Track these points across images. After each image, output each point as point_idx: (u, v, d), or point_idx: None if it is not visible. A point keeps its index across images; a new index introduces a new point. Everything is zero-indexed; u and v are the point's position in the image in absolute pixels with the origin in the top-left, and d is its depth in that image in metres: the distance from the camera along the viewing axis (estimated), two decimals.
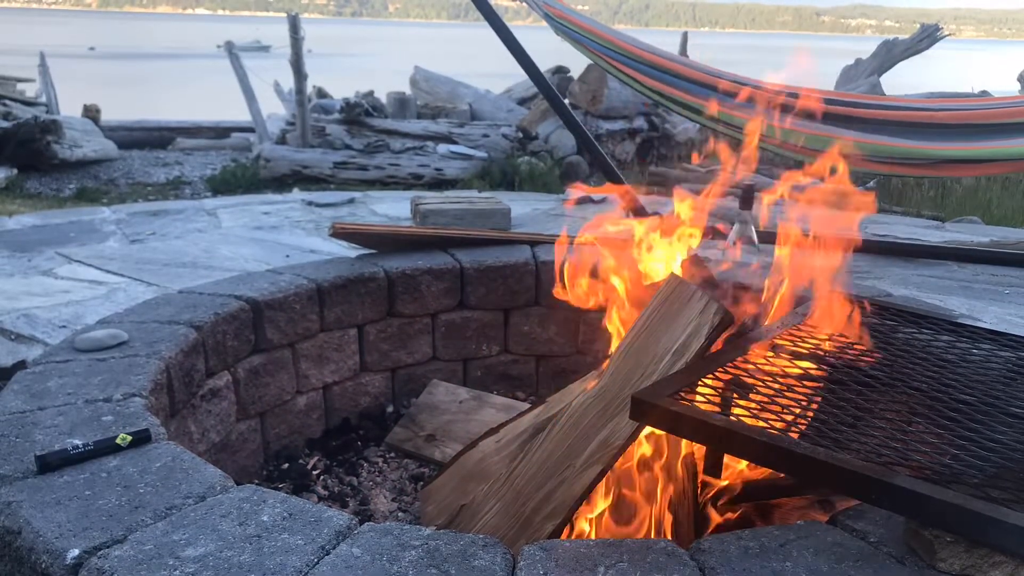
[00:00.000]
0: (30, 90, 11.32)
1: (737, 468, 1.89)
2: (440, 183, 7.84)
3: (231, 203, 5.53)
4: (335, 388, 2.87)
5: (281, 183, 7.77)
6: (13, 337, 2.97)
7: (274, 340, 2.61)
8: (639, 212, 4.01)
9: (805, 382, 1.63)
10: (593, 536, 1.82)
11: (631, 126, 9.26)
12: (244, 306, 2.50)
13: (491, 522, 1.79)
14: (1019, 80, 11.03)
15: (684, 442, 1.81)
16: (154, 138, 10.54)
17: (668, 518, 1.81)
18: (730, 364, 1.67)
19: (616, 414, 1.70)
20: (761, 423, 1.44)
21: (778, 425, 1.44)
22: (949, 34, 11.09)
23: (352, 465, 2.62)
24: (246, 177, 8.09)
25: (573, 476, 1.69)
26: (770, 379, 1.63)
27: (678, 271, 1.95)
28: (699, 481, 1.78)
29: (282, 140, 8.86)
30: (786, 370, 1.68)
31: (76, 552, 1.29)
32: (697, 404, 1.52)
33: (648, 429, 1.73)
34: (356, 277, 2.82)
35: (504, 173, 7.88)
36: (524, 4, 5.10)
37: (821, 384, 1.63)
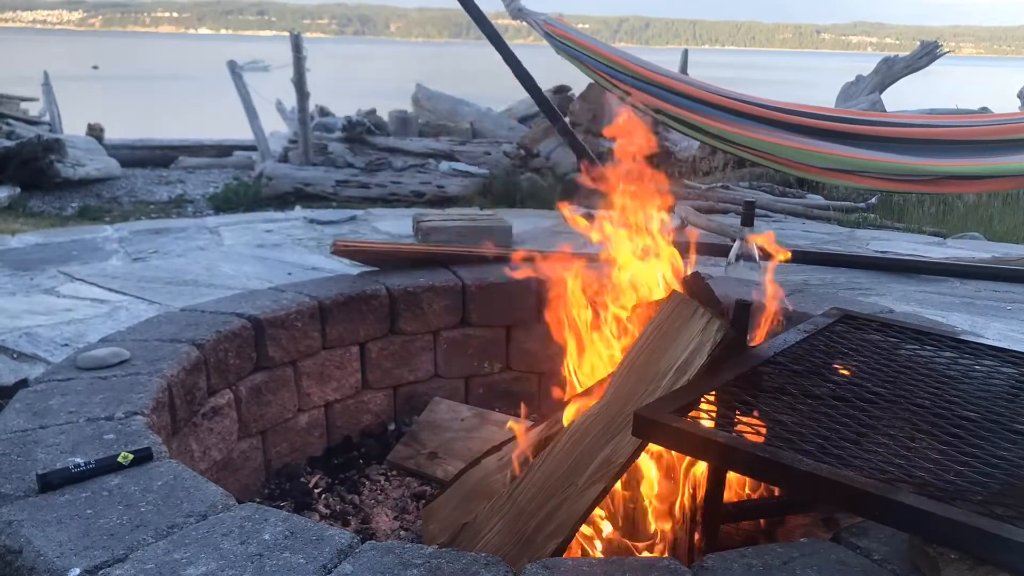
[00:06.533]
0: (33, 109, 11.37)
1: (740, 485, 1.89)
2: (442, 200, 7.85)
3: (233, 221, 5.53)
4: (337, 406, 2.87)
5: (283, 201, 7.78)
6: (15, 356, 2.97)
7: (276, 358, 2.60)
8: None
9: (808, 399, 1.63)
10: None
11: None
12: (246, 324, 2.50)
13: (493, 540, 1.78)
14: (1019, 96, 11.04)
15: (688, 459, 1.80)
16: (157, 156, 10.57)
17: (671, 536, 1.80)
18: (733, 380, 1.67)
19: (618, 431, 1.70)
20: (764, 440, 1.44)
21: (781, 442, 1.43)
22: (949, 51, 11.13)
23: (354, 483, 2.61)
24: (248, 195, 8.11)
25: (575, 494, 1.69)
26: (773, 396, 1.63)
27: (679, 288, 1.95)
28: (702, 498, 1.77)
29: (284, 158, 8.89)
30: (788, 386, 1.68)
31: (77, 571, 1.29)
32: (700, 421, 1.52)
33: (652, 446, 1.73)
34: (358, 294, 2.82)
35: (506, 190, 7.90)
36: (525, 23, 5.13)
37: (824, 400, 1.63)
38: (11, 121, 9.54)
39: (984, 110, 9.58)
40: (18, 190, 7.82)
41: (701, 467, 1.78)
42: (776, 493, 1.81)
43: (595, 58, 4.82)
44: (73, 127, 10.84)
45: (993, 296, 3.94)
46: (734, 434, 1.47)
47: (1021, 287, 4.13)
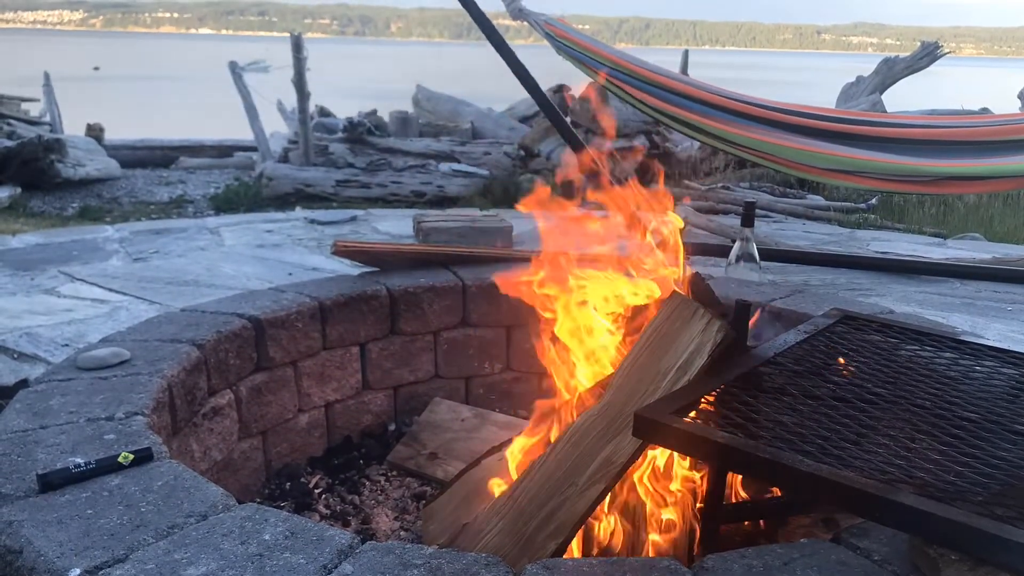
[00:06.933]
0: (34, 109, 11.37)
1: (741, 485, 1.89)
2: (442, 201, 7.86)
3: (234, 221, 5.54)
4: (337, 406, 2.87)
5: (284, 201, 7.79)
6: (15, 356, 2.97)
7: (276, 358, 2.61)
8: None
9: (808, 399, 1.63)
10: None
11: (632, 144, 9.28)
12: (246, 324, 2.50)
13: (493, 541, 1.79)
14: (1019, 97, 11.04)
15: (688, 459, 1.80)
16: (157, 157, 10.57)
17: (672, 536, 1.80)
18: (733, 381, 1.67)
19: (619, 432, 1.70)
20: (764, 440, 1.44)
21: (781, 442, 1.43)
22: (949, 52, 11.11)
23: (354, 484, 2.61)
24: (249, 195, 8.12)
25: (576, 495, 1.69)
26: (773, 396, 1.63)
27: (680, 288, 1.95)
28: (703, 498, 1.77)
29: (285, 159, 8.89)
30: (789, 387, 1.68)
31: (77, 572, 1.29)
32: (700, 421, 1.52)
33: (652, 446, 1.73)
34: (358, 295, 2.82)
35: (506, 191, 7.90)
36: (526, 24, 5.13)
37: (824, 401, 1.63)
38: (12, 121, 9.54)
39: (984, 111, 9.58)
40: (19, 190, 7.82)
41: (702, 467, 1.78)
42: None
43: (596, 59, 4.82)
44: (74, 127, 10.84)
45: (993, 297, 3.94)
46: (734, 434, 1.47)
47: (1022, 288, 4.13)
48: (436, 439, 2.77)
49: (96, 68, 42.78)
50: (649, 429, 1.50)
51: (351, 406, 2.91)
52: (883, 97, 9.74)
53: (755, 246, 2.95)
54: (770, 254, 4.18)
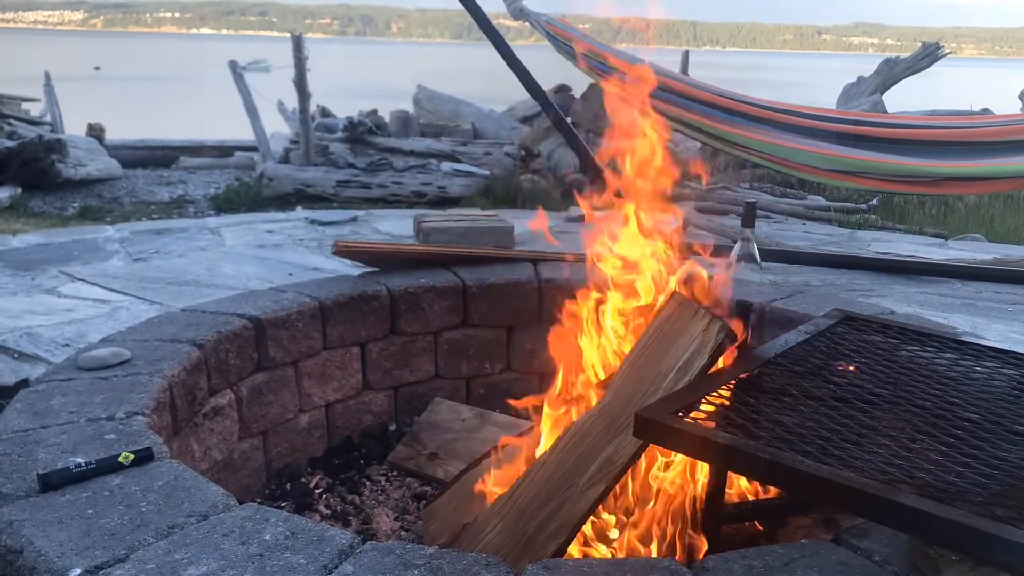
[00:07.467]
0: (35, 109, 11.36)
1: (742, 486, 1.89)
2: (443, 201, 7.85)
3: (234, 221, 5.53)
4: (337, 406, 2.87)
5: (284, 201, 7.78)
6: (16, 356, 2.97)
7: (277, 358, 2.61)
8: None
9: (809, 400, 1.63)
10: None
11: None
12: (247, 324, 2.50)
13: (494, 541, 1.78)
14: (1020, 98, 11.04)
15: (689, 460, 1.80)
16: (158, 157, 10.56)
17: (672, 537, 1.80)
18: (734, 381, 1.67)
19: (619, 432, 1.70)
20: (764, 440, 1.44)
21: (782, 443, 1.43)
22: (950, 52, 11.10)
23: (354, 484, 2.61)
24: (249, 196, 8.11)
25: (576, 495, 1.69)
26: (774, 397, 1.63)
27: (681, 289, 1.95)
28: (703, 499, 1.77)
29: (285, 159, 8.88)
30: (789, 387, 1.68)
31: (78, 571, 1.29)
32: (701, 421, 1.52)
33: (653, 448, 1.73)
34: (359, 295, 2.82)
35: (507, 191, 7.90)
36: (527, 24, 5.13)
37: (825, 401, 1.63)
38: (13, 121, 9.53)
39: (986, 111, 9.58)
40: (19, 190, 7.82)
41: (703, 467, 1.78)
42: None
43: (596, 59, 4.82)
44: (74, 127, 10.83)
45: (994, 298, 3.94)
46: (735, 435, 1.46)
47: (1022, 289, 4.12)
48: (436, 439, 2.77)
49: (97, 68, 42.78)
50: (649, 429, 1.50)
51: (351, 406, 2.91)
52: (884, 98, 9.74)
53: (756, 246, 2.96)
54: (770, 254, 4.17)
